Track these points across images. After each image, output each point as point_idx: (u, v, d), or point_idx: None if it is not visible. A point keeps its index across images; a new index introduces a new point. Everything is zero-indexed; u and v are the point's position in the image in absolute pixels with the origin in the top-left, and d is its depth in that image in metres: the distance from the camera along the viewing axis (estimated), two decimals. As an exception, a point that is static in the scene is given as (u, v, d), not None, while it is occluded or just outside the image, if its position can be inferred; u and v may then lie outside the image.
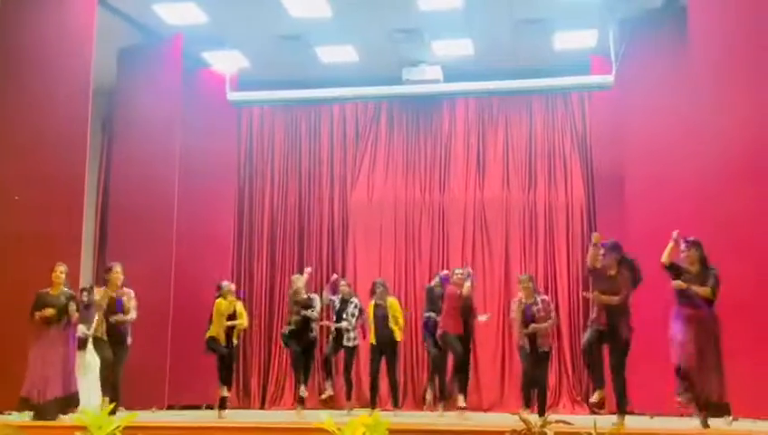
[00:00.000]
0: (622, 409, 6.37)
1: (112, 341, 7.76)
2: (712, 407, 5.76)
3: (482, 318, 8.61)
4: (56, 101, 8.55)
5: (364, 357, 9.65)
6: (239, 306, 8.70)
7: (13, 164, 8.42)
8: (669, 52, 8.91)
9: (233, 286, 8.83)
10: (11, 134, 8.53)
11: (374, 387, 8.83)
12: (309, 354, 8.88)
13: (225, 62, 10.92)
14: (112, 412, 2.82)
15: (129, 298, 7.95)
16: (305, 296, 8.75)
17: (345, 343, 8.98)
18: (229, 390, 8.77)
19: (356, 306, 9.01)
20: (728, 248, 6.73)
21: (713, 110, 7.35)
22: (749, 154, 7.05)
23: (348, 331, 8.97)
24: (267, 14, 9.72)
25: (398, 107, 11.69)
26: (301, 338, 8.69)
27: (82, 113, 8.54)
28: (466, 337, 8.43)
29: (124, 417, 2.77)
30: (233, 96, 11.04)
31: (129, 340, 7.93)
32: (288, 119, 11.94)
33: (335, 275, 9.64)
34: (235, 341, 8.71)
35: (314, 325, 8.75)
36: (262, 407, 10.67)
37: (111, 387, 7.57)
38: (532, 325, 7.78)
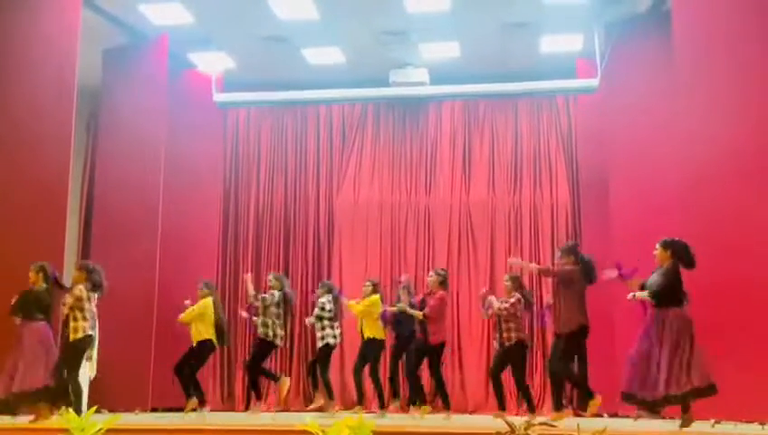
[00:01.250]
0: (557, 406, 6.47)
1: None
2: (661, 400, 5.81)
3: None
4: (41, 101, 8.50)
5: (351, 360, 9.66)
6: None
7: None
8: (654, 56, 8.99)
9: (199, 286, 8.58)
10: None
11: (358, 384, 8.82)
12: (254, 358, 8.62)
13: (212, 64, 10.89)
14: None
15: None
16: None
17: (318, 342, 8.80)
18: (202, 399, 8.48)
19: (318, 305, 8.74)
20: (713, 250, 6.78)
21: (697, 113, 7.41)
22: (733, 156, 7.10)
23: (317, 329, 8.73)
24: (254, 16, 9.70)
25: (384, 109, 11.71)
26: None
27: (67, 114, 8.49)
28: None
29: (107, 419, 2.74)
30: (219, 97, 11.02)
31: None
32: (274, 120, 11.93)
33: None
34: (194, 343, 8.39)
35: (263, 330, 8.40)
36: (246, 409, 10.62)
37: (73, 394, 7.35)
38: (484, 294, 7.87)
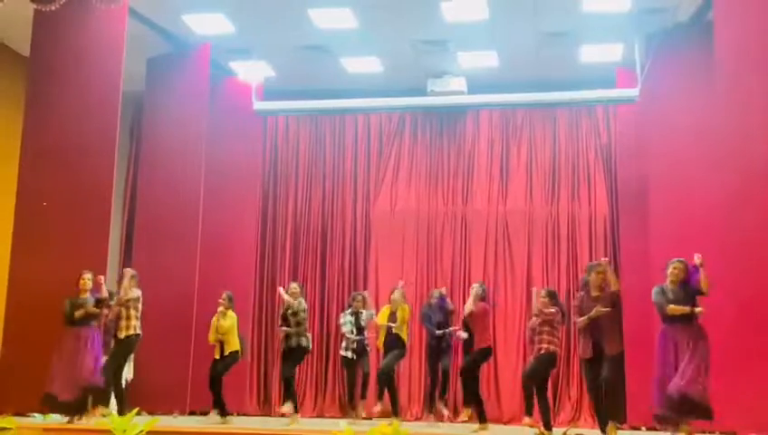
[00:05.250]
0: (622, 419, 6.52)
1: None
2: (690, 408, 5.82)
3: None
4: (86, 108, 8.74)
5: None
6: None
7: (42, 168, 8.61)
8: (695, 66, 8.87)
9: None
10: (42, 139, 8.73)
11: (393, 392, 8.93)
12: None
13: (252, 72, 11.02)
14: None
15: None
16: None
17: (343, 352, 9.13)
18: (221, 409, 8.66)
19: (361, 318, 9.08)
20: (752, 260, 6.66)
21: (738, 124, 7.29)
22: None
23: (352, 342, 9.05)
24: (293, 25, 9.81)
25: (422, 118, 11.73)
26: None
27: (112, 120, 8.71)
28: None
29: (147, 421, 2.82)
30: (259, 105, 11.15)
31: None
32: (313, 128, 12.03)
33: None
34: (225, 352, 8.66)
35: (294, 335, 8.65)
36: (282, 414, 10.72)
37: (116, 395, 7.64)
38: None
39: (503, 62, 10.61)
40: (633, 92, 9.96)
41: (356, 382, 9.24)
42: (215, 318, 8.71)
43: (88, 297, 7.47)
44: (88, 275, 7.56)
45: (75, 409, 7.07)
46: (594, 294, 6.78)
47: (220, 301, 8.74)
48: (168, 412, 8.96)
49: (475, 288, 8.50)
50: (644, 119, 9.74)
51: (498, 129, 11.50)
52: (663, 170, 9.21)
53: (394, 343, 8.81)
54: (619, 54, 10.31)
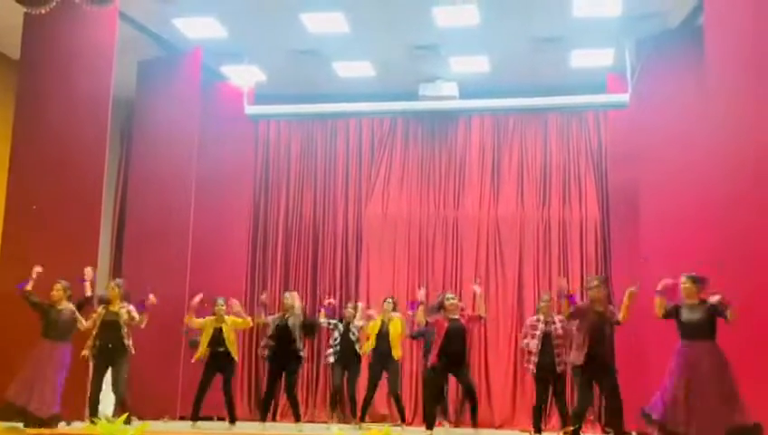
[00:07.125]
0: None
1: (109, 352, 7.65)
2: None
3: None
4: (77, 111, 8.71)
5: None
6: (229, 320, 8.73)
7: (33, 172, 8.57)
8: (686, 71, 8.91)
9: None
10: (32, 143, 8.69)
11: (369, 399, 8.96)
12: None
13: (243, 76, 11.01)
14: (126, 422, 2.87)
15: (126, 313, 7.77)
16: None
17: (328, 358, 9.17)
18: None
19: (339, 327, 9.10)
20: (744, 267, 6.68)
21: (729, 129, 7.31)
22: (766, 173, 6.99)
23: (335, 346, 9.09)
24: (285, 30, 9.81)
25: (413, 122, 11.74)
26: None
27: (102, 123, 8.68)
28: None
29: (136, 426, 2.79)
30: (250, 110, 11.14)
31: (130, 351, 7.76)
32: (304, 133, 12.02)
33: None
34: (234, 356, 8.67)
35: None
36: (273, 419, 10.68)
37: (118, 401, 7.57)
38: None
39: (494, 67, 10.63)
40: (624, 97, 10.01)
41: (342, 389, 9.19)
42: (212, 321, 8.61)
43: (64, 307, 7.44)
44: (59, 286, 7.54)
45: (33, 422, 6.95)
46: (599, 308, 6.81)
47: (221, 307, 8.66)
48: (158, 417, 8.91)
49: (454, 299, 8.13)
50: (635, 124, 9.77)
51: (489, 133, 11.52)
52: (654, 175, 9.24)
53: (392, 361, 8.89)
54: (610, 60, 10.34)
